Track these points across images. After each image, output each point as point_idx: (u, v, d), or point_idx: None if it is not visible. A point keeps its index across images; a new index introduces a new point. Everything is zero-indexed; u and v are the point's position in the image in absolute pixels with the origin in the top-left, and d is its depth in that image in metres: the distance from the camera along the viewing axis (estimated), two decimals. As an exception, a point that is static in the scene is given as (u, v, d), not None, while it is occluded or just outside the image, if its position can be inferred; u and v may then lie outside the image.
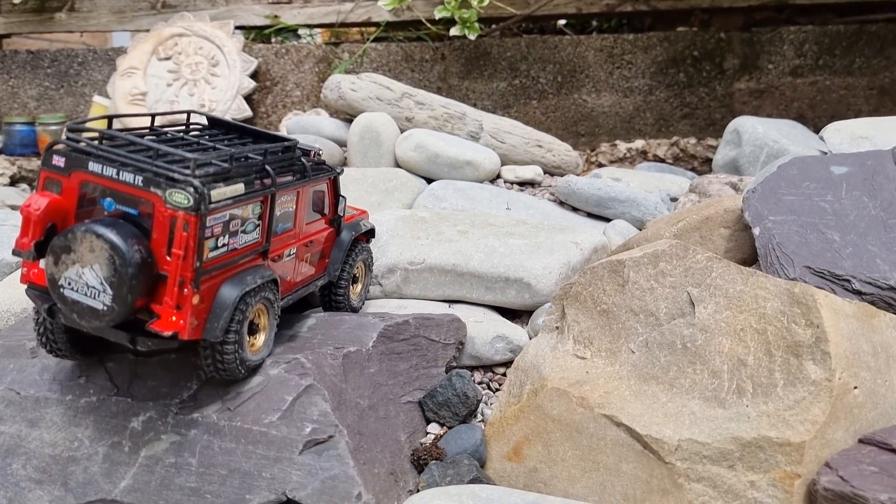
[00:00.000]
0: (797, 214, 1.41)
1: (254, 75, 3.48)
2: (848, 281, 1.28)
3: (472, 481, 1.18)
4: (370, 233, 1.59)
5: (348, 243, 1.47)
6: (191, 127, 1.34)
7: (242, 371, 1.15)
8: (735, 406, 1.13)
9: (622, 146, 3.00)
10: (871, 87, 3.13)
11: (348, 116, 2.62)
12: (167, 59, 3.48)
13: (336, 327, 1.37)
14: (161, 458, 1.12)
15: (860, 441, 1.09)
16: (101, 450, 1.14)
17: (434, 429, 1.36)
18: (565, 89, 3.31)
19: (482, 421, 1.39)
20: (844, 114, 3.14)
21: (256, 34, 3.66)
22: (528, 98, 3.33)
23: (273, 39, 3.68)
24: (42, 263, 1.08)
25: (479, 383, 1.51)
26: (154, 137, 1.22)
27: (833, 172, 1.50)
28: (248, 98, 3.46)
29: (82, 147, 1.07)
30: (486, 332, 1.52)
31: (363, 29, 3.73)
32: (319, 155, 1.38)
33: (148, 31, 3.59)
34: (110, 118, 1.20)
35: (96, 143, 1.09)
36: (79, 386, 1.20)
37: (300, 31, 3.79)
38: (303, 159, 1.31)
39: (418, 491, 1.19)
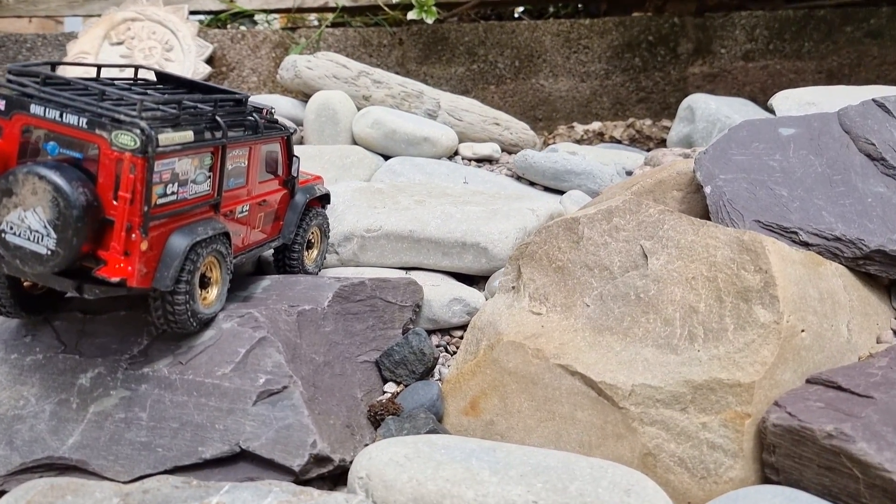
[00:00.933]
0: (747, 172, 1.44)
1: (209, 61, 3.43)
2: (795, 233, 1.30)
3: (430, 433, 1.18)
4: (325, 198, 1.58)
5: (302, 206, 1.46)
6: (138, 81, 1.31)
7: (194, 324, 1.13)
8: (687, 351, 1.15)
9: (579, 128, 3.02)
10: (820, 70, 3.22)
11: (305, 98, 2.59)
12: (119, 43, 3.41)
13: (291, 288, 1.35)
14: (110, 413, 1.09)
15: (807, 381, 1.12)
16: (48, 407, 1.11)
17: (391, 388, 1.35)
18: (523, 74, 3.33)
19: (439, 380, 1.39)
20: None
21: (213, 19, 3.61)
22: (487, 83, 3.35)
23: (229, 25, 3.64)
24: None
25: (437, 346, 1.50)
26: (129, 87, 1.20)
27: (781, 133, 1.53)
28: (204, 83, 3.40)
29: (23, 89, 1.03)
30: (443, 294, 1.51)
31: (321, 15, 3.70)
32: (272, 113, 1.36)
33: (100, 15, 3.51)
34: (53, 64, 1.16)
35: (38, 85, 1.05)
36: (24, 345, 1.17)
37: (257, 17, 3.75)
38: (255, 115, 1.29)
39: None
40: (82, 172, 1.00)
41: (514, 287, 1.43)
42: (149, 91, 1.21)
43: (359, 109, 2.41)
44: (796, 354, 1.13)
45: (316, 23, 3.79)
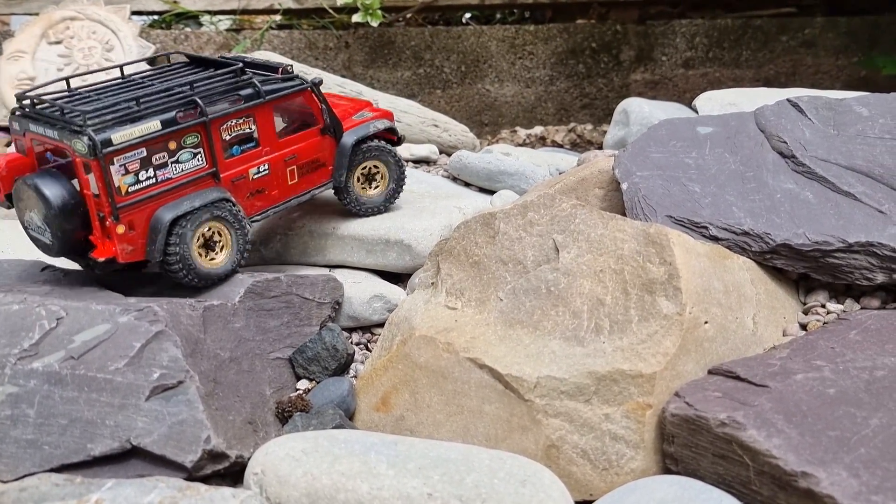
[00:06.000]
0: (663, 170, 1.45)
1: (151, 62, 3.37)
2: (706, 227, 1.32)
3: (336, 428, 1.16)
4: (390, 131, 1.62)
5: (349, 148, 1.51)
6: (166, 66, 1.44)
7: (199, 283, 1.28)
8: (593, 343, 1.15)
9: (522, 132, 3.04)
10: (757, 78, 3.28)
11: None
12: (58, 43, 3.34)
13: (202, 283, 1.32)
14: (-4, 410, 1.05)
15: (709, 372, 1.13)
16: (-71, 405, 1.06)
17: (304, 385, 1.33)
18: (469, 79, 3.34)
19: (354, 377, 1.37)
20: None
21: (157, 20, 3.56)
22: (433, 87, 3.35)
23: (174, 26, 3.58)
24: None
25: (357, 344, 1.48)
26: (118, 85, 1.34)
27: (699, 132, 1.55)
28: (146, 85, 3.35)
29: (22, 112, 1.25)
30: (363, 291, 1.49)
31: (269, 17, 3.67)
32: (288, 70, 1.42)
33: (38, 14, 3.44)
34: (68, 79, 1.34)
35: (35, 106, 1.24)
36: None
37: (202, 18, 3.71)
38: (255, 81, 1.34)
39: (280, 442, 1.16)
40: (67, 175, 1.20)
41: (432, 283, 1.42)
42: (154, 81, 1.35)
43: (295, 110, 2.39)
44: (699, 346, 1.13)
45: (263, 25, 3.76)
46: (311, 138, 1.47)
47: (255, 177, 1.38)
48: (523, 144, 3.01)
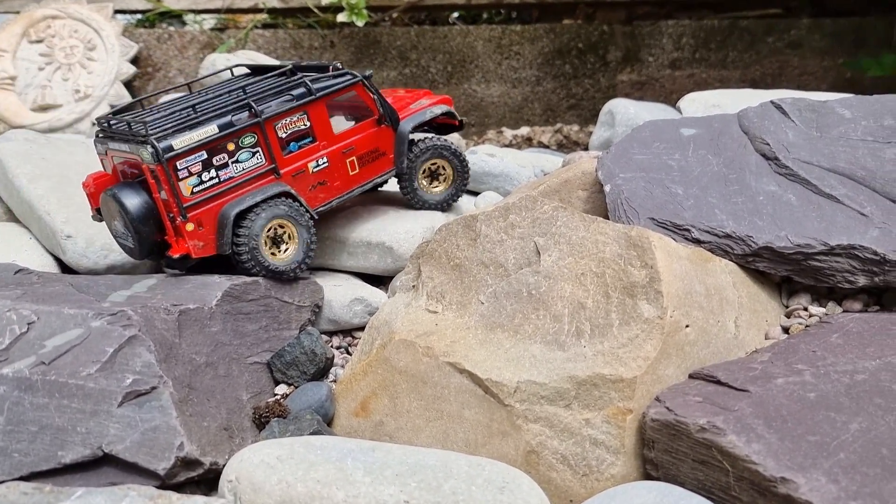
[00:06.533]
0: (646, 171, 1.44)
1: (134, 61, 3.34)
2: (688, 230, 1.31)
3: (313, 434, 1.14)
4: (449, 116, 1.67)
5: (406, 135, 1.57)
6: (227, 79, 1.56)
7: (265, 275, 1.38)
8: (574, 347, 1.14)
9: (508, 133, 3.03)
10: (744, 79, 3.28)
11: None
12: (39, 41, 3.31)
13: (178, 287, 1.30)
14: (-36, 417, 1.03)
15: (690, 376, 1.12)
16: None
17: (282, 389, 1.31)
18: (455, 79, 3.33)
19: (334, 381, 1.35)
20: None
21: (140, 19, 3.52)
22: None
23: (158, 25, 3.55)
24: None
25: (338, 348, 1.47)
26: (179, 98, 1.45)
27: (682, 134, 1.54)
28: (129, 84, 3.31)
29: (103, 131, 1.38)
30: (344, 295, 1.48)
31: (254, 17, 3.64)
32: (338, 67, 1.49)
33: (19, 12, 3.40)
34: (141, 100, 1.48)
35: (111, 125, 1.35)
36: None
37: (186, 17, 3.68)
38: (306, 80, 1.42)
39: (257, 448, 1.14)
40: (142, 184, 1.31)
41: (414, 286, 1.40)
42: (219, 92, 1.44)
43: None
44: (680, 350, 1.12)
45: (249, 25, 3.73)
46: (367, 130, 1.53)
47: (314, 170, 1.45)
48: (509, 145, 3.00)
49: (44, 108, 3.17)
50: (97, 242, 1.58)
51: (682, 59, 3.28)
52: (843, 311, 1.28)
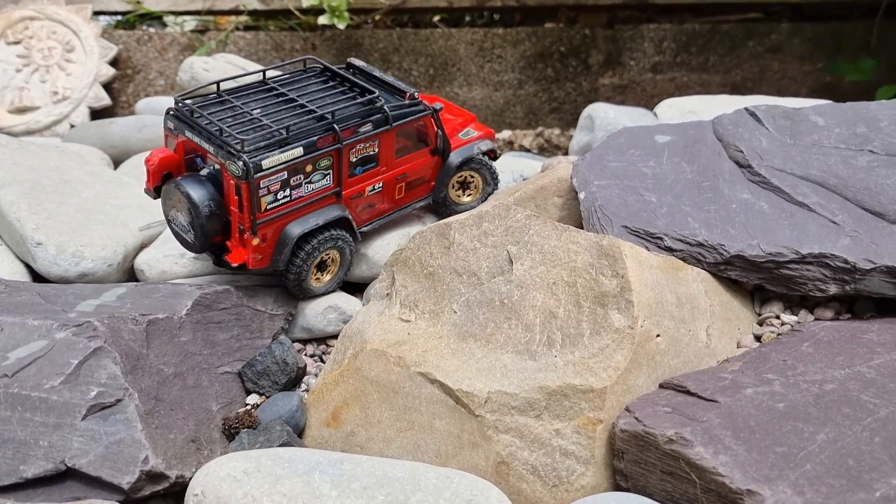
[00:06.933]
0: (620, 179, 1.44)
1: (114, 62, 3.32)
2: (661, 238, 1.31)
3: (283, 446, 1.13)
4: (488, 154, 1.69)
5: (454, 169, 1.59)
6: (302, 74, 1.51)
7: (302, 296, 1.43)
8: (545, 357, 1.13)
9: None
10: (725, 83, 3.30)
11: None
12: (16, 43, 3.27)
13: (148, 296, 1.29)
14: (-76, 431, 1.01)
15: (660, 386, 1.12)
16: None
17: (253, 399, 1.30)
18: (437, 82, 3.32)
19: (306, 391, 1.34)
20: (700, 108, 3.28)
21: (120, 21, 3.49)
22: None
23: (137, 26, 3.52)
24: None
25: (311, 356, 1.46)
26: (261, 95, 1.42)
27: (657, 141, 1.54)
28: (108, 86, 3.28)
29: (179, 115, 1.35)
30: (318, 302, 1.47)
31: (235, 18, 3.62)
32: (414, 96, 1.49)
33: (-4, 13, 3.36)
34: (218, 83, 1.41)
35: (193, 115, 1.33)
36: None
37: (168, 19, 3.65)
38: (385, 108, 1.42)
39: (225, 459, 1.13)
40: (215, 183, 1.30)
41: (388, 294, 1.39)
42: (291, 91, 1.43)
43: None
44: (650, 359, 1.12)
45: (230, 26, 3.71)
46: (421, 158, 1.55)
47: (369, 193, 1.47)
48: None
49: (21, 111, 3.13)
50: (68, 250, 1.56)
51: (664, 62, 3.29)
52: (815, 320, 1.28)
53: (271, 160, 1.26)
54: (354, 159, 1.41)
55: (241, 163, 1.24)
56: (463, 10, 3.43)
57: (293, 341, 1.48)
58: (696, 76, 3.30)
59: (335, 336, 1.49)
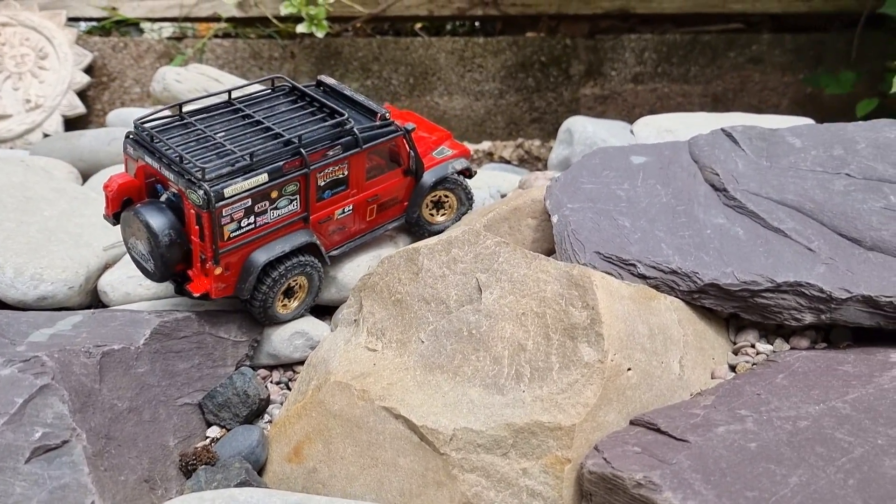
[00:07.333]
0: (594, 202, 1.41)
1: (88, 70, 3.26)
2: (634, 265, 1.28)
3: (241, 485, 1.09)
4: (463, 172, 1.65)
5: (428, 189, 1.55)
6: (269, 93, 1.46)
7: (265, 321, 1.40)
8: (512, 392, 1.10)
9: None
10: (706, 94, 3.29)
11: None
12: (-12, 49, 3.20)
13: (105, 324, 1.24)
14: None
15: (631, 422, 1.08)
16: None
17: (214, 432, 1.25)
18: (417, 91, 3.28)
19: (269, 422, 1.30)
20: (681, 120, 3.27)
21: (95, 27, 3.43)
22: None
23: (113, 33, 3.46)
24: None
25: (278, 383, 1.41)
26: (228, 115, 1.38)
27: (633, 162, 1.51)
28: (83, 94, 3.22)
29: (139, 139, 1.30)
30: (284, 328, 1.43)
31: (213, 26, 3.57)
32: (385, 117, 1.44)
33: (-33, 19, 3.28)
34: (181, 105, 1.35)
35: (153, 140, 1.28)
36: None
37: (144, 25, 3.59)
38: (355, 130, 1.37)
39: (181, 499, 1.08)
40: (176, 210, 1.26)
41: (355, 320, 1.35)
42: (256, 112, 1.38)
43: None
44: (621, 394, 1.09)
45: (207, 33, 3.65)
46: (393, 178, 1.51)
47: (339, 216, 1.43)
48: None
49: (-8, 119, 3.06)
50: (27, 272, 1.51)
51: (645, 73, 3.27)
52: (791, 349, 1.26)
53: (234, 188, 1.22)
54: (323, 183, 1.37)
55: (201, 192, 1.19)
56: (444, 18, 3.39)
57: (259, 367, 1.44)
58: (678, 87, 3.28)
59: (302, 362, 1.45)
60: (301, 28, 3.01)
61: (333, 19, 3.19)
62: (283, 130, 1.32)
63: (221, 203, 1.21)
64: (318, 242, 1.38)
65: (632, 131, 1.87)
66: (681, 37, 3.25)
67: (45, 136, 3.05)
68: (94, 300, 1.61)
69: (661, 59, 3.26)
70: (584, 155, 1.56)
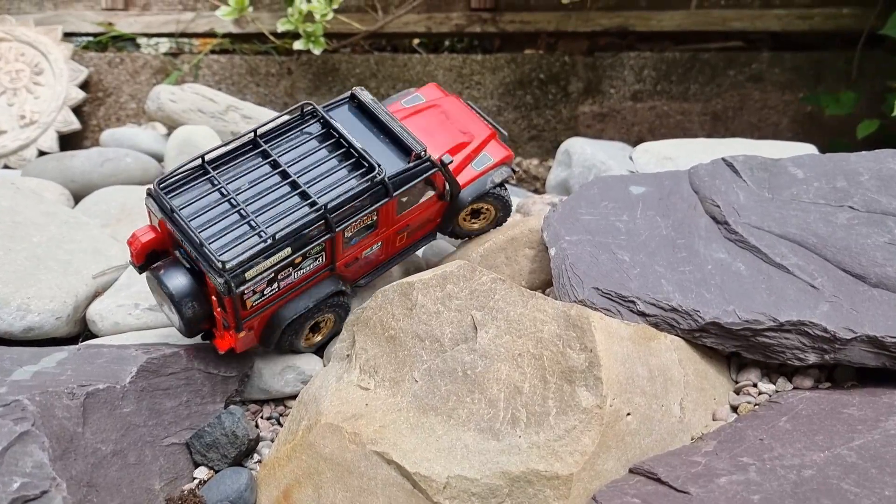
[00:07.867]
0: (592, 234, 1.38)
1: (84, 85, 3.23)
2: (633, 302, 1.25)
3: (227, 533, 1.06)
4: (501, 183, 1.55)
5: (463, 206, 1.48)
6: (303, 126, 1.36)
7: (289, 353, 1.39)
8: (508, 437, 1.07)
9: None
10: (705, 112, 3.26)
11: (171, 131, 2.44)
12: (-18, 65, 3.17)
13: (90, 361, 1.21)
14: None
15: (630, 470, 1.05)
16: None
17: (202, 473, 1.22)
18: (415, 108, 3.25)
19: (259, 462, 1.27)
20: (682, 138, 3.24)
21: (91, 42, 3.41)
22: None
23: (110, 48, 3.44)
24: None
25: (268, 418, 1.38)
26: (252, 158, 1.31)
27: (632, 192, 1.48)
28: (78, 110, 3.20)
29: (161, 205, 1.23)
30: (275, 362, 1.39)
31: (209, 41, 3.55)
32: (420, 156, 1.34)
33: (-38, 34, 3.26)
34: (203, 156, 1.28)
35: (174, 213, 1.21)
36: None
37: (141, 41, 3.57)
38: (386, 181, 1.28)
39: (166, 547, 1.05)
40: (196, 276, 1.23)
41: (348, 355, 1.32)
42: (282, 153, 1.32)
43: (225, 147, 2.28)
44: (620, 441, 1.06)
45: (205, 48, 3.63)
46: (427, 206, 1.44)
47: (366, 255, 1.39)
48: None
49: (-14, 135, 3.04)
50: (13, 302, 1.48)
51: (644, 91, 3.25)
52: (794, 388, 1.23)
53: (255, 269, 1.19)
54: (350, 234, 1.31)
55: (222, 280, 1.16)
56: (442, 35, 3.37)
57: (249, 402, 1.41)
58: (677, 105, 3.26)
59: (294, 396, 1.42)
60: (298, 45, 2.99)
61: (331, 36, 3.17)
62: (310, 184, 1.26)
63: (243, 288, 1.19)
64: (344, 288, 1.36)
65: (631, 157, 1.85)
66: (680, 55, 3.23)
67: (41, 152, 3.03)
68: (82, 329, 1.58)
69: (660, 77, 3.24)
70: (582, 185, 1.53)
